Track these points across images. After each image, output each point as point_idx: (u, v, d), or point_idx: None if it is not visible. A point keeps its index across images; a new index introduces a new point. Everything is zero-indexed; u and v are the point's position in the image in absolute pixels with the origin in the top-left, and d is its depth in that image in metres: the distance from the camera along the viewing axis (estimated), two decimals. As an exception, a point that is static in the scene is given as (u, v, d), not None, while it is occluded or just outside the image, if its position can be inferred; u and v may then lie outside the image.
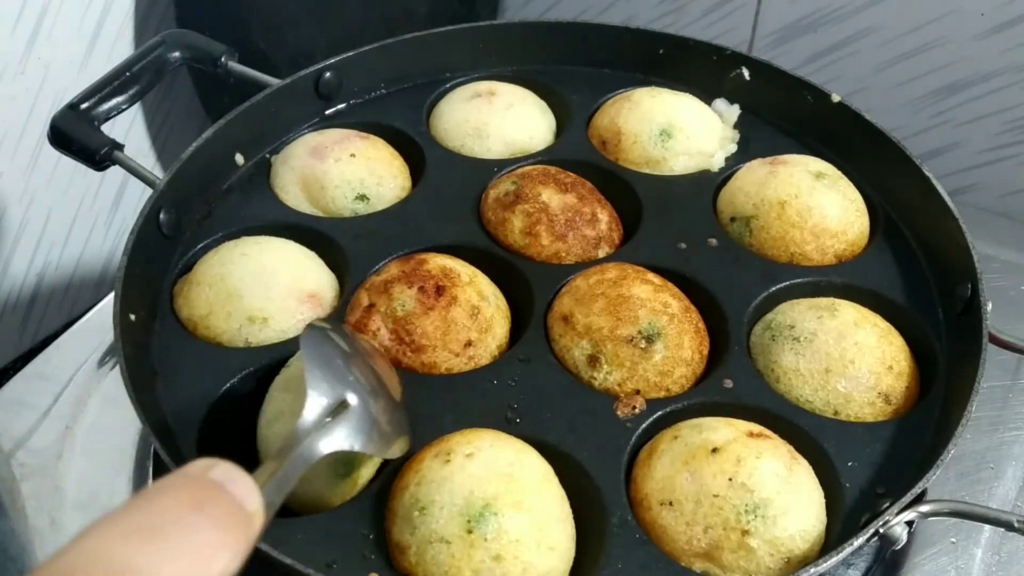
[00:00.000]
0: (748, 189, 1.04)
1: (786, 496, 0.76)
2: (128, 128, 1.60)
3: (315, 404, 0.69)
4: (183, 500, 0.46)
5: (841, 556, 0.72)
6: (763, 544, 0.75)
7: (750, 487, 0.76)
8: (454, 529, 0.72)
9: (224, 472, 0.49)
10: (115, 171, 1.06)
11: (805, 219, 1.00)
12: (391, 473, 0.80)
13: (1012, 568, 0.90)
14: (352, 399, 0.71)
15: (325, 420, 0.68)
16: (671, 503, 0.77)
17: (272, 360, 0.88)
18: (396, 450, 0.77)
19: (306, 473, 0.72)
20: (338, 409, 0.70)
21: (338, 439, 0.68)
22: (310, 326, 0.77)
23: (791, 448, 0.81)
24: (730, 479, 0.76)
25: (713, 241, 1.02)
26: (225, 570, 0.45)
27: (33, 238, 1.52)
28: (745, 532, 0.75)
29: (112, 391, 1.05)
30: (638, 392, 0.87)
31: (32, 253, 1.53)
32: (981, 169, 1.44)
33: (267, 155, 1.12)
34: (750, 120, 1.17)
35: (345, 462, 0.79)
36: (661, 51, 1.22)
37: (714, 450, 0.78)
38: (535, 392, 0.87)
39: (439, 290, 0.90)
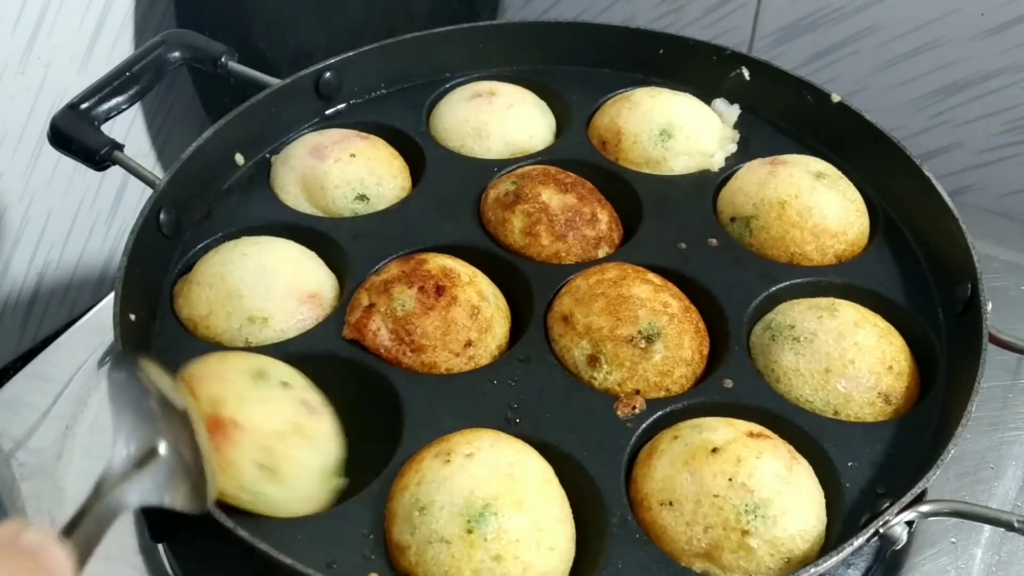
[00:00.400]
0: (748, 189, 1.04)
1: (786, 496, 0.76)
2: (128, 128, 1.60)
3: (122, 450, 0.64)
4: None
5: (841, 556, 0.72)
6: (763, 544, 0.75)
7: (750, 487, 0.76)
8: (454, 529, 0.72)
9: (35, 540, 0.48)
10: (115, 171, 1.06)
11: (805, 219, 1.00)
12: (391, 473, 0.80)
13: (1012, 568, 0.90)
14: (162, 446, 0.65)
15: (133, 468, 0.63)
16: (671, 503, 0.77)
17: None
18: (201, 504, 0.69)
19: (303, 469, 0.73)
20: (147, 456, 0.64)
21: (148, 490, 0.64)
22: (114, 363, 0.69)
23: (791, 448, 0.81)
24: (730, 479, 0.76)
25: (713, 241, 1.02)
26: None
27: (33, 238, 1.52)
28: (745, 532, 0.75)
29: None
30: (638, 392, 0.87)
31: (32, 253, 1.53)
32: (981, 169, 1.44)
33: (267, 155, 1.12)
34: (750, 120, 1.17)
35: (338, 462, 0.79)
36: (661, 51, 1.22)
37: (714, 450, 0.78)
38: (535, 392, 0.87)
39: (439, 290, 0.90)
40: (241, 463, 0.75)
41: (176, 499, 0.66)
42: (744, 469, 0.77)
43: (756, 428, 0.82)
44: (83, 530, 0.58)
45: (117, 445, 0.64)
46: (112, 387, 0.67)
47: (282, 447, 0.77)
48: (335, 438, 0.80)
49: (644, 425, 0.84)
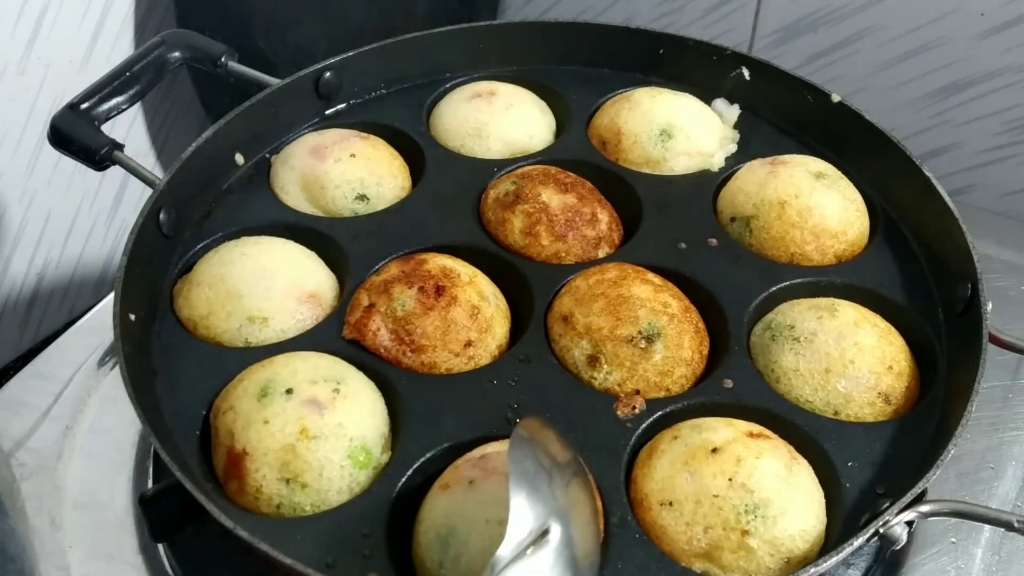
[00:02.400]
0: (748, 189, 1.04)
1: (786, 496, 0.76)
2: (128, 128, 1.60)
3: (516, 534, 0.62)
4: None
5: (841, 556, 0.72)
6: (763, 544, 0.75)
7: (750, 487, 0.76)
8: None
9: None
10: (115, 171, 1.06)
11: (805, 219, 1.00)
12: (393, 474, 0.80)
13: (1012, 568, 0.90)
14: (555, 528, 0.64)
15: (524, 551, 0.62)
16: (671, 503, 0.77)
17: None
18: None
19: (324, 467, 0.75)
20: (538, 538, 0.63)
21: (535, 572, 0.62)
22: (517, 436, 0.67)
23: (791, 448, 0.81)
24: (730, 479, 0.76)
25: (713, 241, 1.02)
26: None
27: (33, 238, 1.52)
28: (745, 532, 0.75)
29: (112, 391, 1.05)
30: (638, 392, 0.87)
31: (32, 253, 1.53)
32: (981, 169, 1.44)
33: (267, 155, 1.12)
34: (750, 120, 1.17)
35: (366, 450, 0.80)
36: (661, 51, 1.22)
37: (714, 450, 0.78)
38: (535, 392, 0.87)
39: (439, 290, 0.90)
40: (264, 486, 0.78)
41: None
42: (744, 469, 0.77)
43: (756, 428, 0.82)
44: None
45: (512, 528, 0.62)
46: (514, 462, 0.65)
47: (295, 456, 0.78)
48: (365, 419, 0.82)
49: (644, 425, 0.84)
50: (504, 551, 0.61)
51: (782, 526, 0.75)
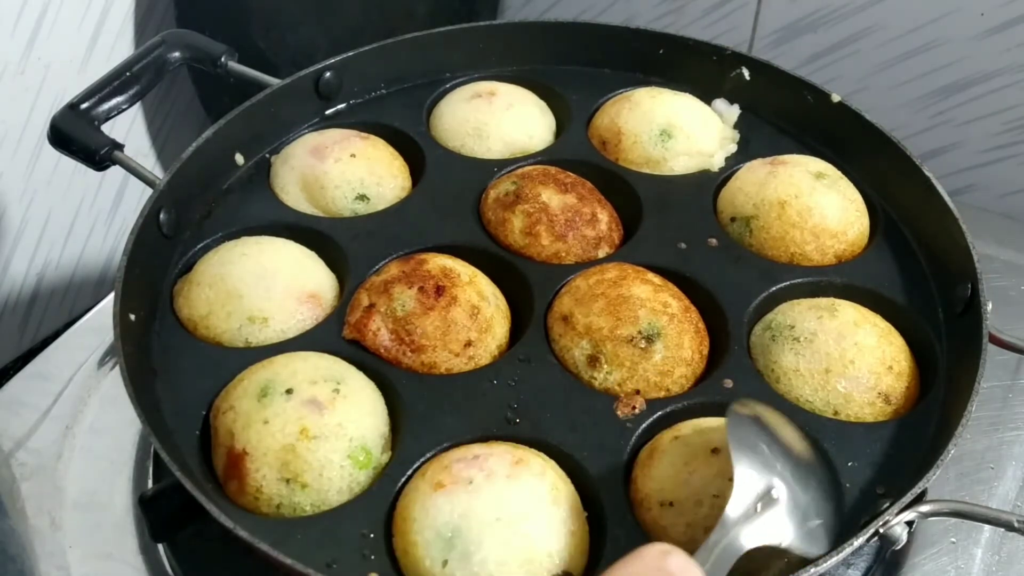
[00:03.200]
0: (748, 189, 1.04)
1: None
2: (128, 128, 1.60)
3: (743, 494, 0.67)
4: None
5: (841, 556, 0.72)
6: None
7: None
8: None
9: (679, 564, 0.56)
10: (115, 171, 1.06)
11: (805, 219, 1.00)
12: (393, 475, 0.80)
13: (1012, 568, 0.90)
14: (780, 489, 0.69)
15: (753, 510, 0.67)
16: (672, 504, 0.77)
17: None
18: (819, 548, 0.72)
19: (324, 467, 0.75)
20: (765, 499, 0.68)
21: (764, 531, 0.66)
22: (735, 412, 0.73)
23: None
24: (730, 479, 0.76)
25: (713, 241, 1.02)
26: None
27: (33, 238, 1.52)
28: None
29: (112, 391, 1.05)
30: (638, 392, 0.87)
31: (32, 253, 1.53)
32: (981, 169, 1.44)
33: (267, 155, 1.12)
34: (750, 120, 1.17)
35: (366, 450, 0.80)
36: (661, 51, 1.22)
37: (714, 450, 0.78)
38: (535, 392, 0.87)
39: (439, 290, 0.90)
40: (264, 486, 0.79)
41: (793, 541, 0.68)
42: None
43: None
44: (710, 565, 0.61)
45: (740, 486, 0.67)
46: (733, 432, 0.71)
47: (295, 456, 0.78)
48: (365, 419, 0.82)
49: (644, 425, 0.84)
50: (734, 508, 0.65)
51: None
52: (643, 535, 0.77)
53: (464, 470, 0.76)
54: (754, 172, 1.06)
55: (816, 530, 0.71)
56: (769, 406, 0.79)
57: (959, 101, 1.40)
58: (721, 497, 0.75)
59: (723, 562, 0.63)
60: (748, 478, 0.68)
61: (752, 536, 0.66)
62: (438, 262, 0.94)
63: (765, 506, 0.68)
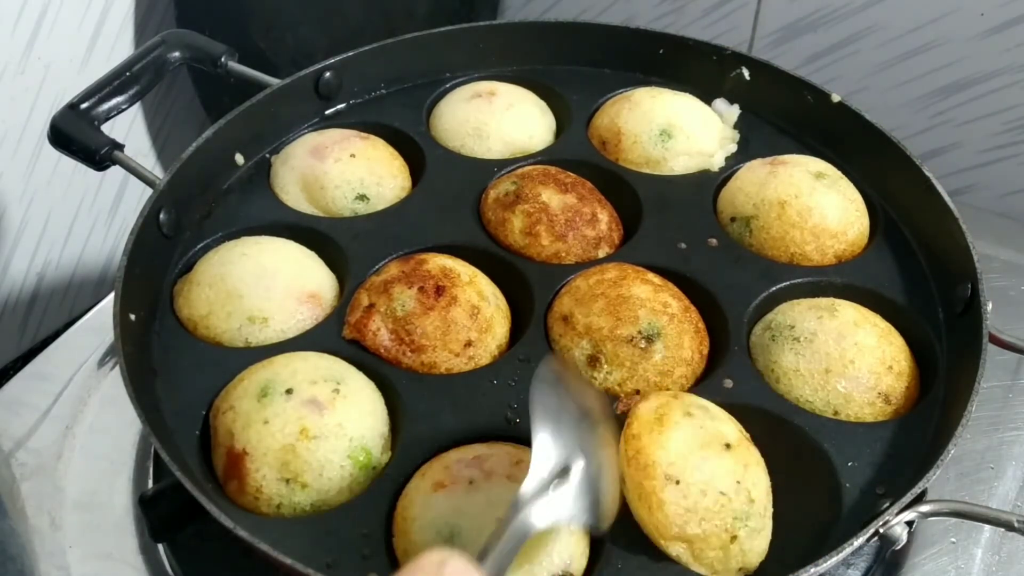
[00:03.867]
0: (748, 189, 1.04)
1: (767, 516, 0.77)
2: (128, 128, 1.60)
3: (539, 471, 0.64)
4: None
5: (841, 556, 0.72)
6: (739, 553, 0.75)
7: (752, 496, 0.75)
8: None
9: (457, 569, 0.52)
10: (115, 171, 1.06)
11: (805, 219, 1.00)
12: (393, 475, 0.80)
13: (1012, 568, 0.90)
14: (577, 465, 0.66)
15: (547, 487, 0.64)
16: (678, 482, 0.74)
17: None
18: (607, 523, 0.70)
19: (324, 467, 0.75)
20: (561, 475, 0.65)
21: (556, 511, 0.64)
22: (541, 374, 0.69)
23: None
24: (738, 481, 0.75)
25: (713, 241, 1.02)
26: None
27: (33, 238, 1.52)
28: (734, 537, 0.74)
29: (112, 391, 1.05)
30: (638, 392, 0.87)
31: (32, 253, 1.53)
32: (981, 169, 1.44)
33: (267, 155, 1.12)
34: (750, 120, 1.17)
35: (365, 450, 0.80)
36: (661, 51, 1.22)
37: (727, 446, 0.77)
38: (535, 392, 0.87)
39: (439, 290, 0.90)
40: (265, 486, 0.79)
41: (584, 520, 0.66)
42: (750, 476, 0.76)
43: (746, 433, 0.81)
44: (496, 553, 0.58)
45: (536, 465, 0.64)
46: (538, 396, 0.67)
47: (295, 456, 0.78)
48: (365, 419, 0.82)
49: (644, 425, 0.84)
50: (527, 487, 0.62)
51: (758, 543, 0.76)
52: (645, 536, 0.77)
53: (464, 470, 0.76)
54: (754, 172, 1.06)
55: (604, 504, 0.68)
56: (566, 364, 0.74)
57: (959, 101, 1.40)
58: (726, 496, 0.75)
59: (511, 547, 0.61)
60: (547, 453, 0.65)
61: (543, 515, 0.63)
62: (438, 262, 0.94)
63: (559, 482, 0.65)
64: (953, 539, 0.92)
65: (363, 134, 1.12)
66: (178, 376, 0.88)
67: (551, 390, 0.69)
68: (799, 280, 0.98)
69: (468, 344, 0.90)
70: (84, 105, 1.05)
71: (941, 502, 0.77)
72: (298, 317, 0.93)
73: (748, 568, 0.76)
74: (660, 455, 0.76)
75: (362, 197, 1.06)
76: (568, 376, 0.72)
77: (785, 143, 1.14)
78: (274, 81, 1.12)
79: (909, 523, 0.75)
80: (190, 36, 1.16)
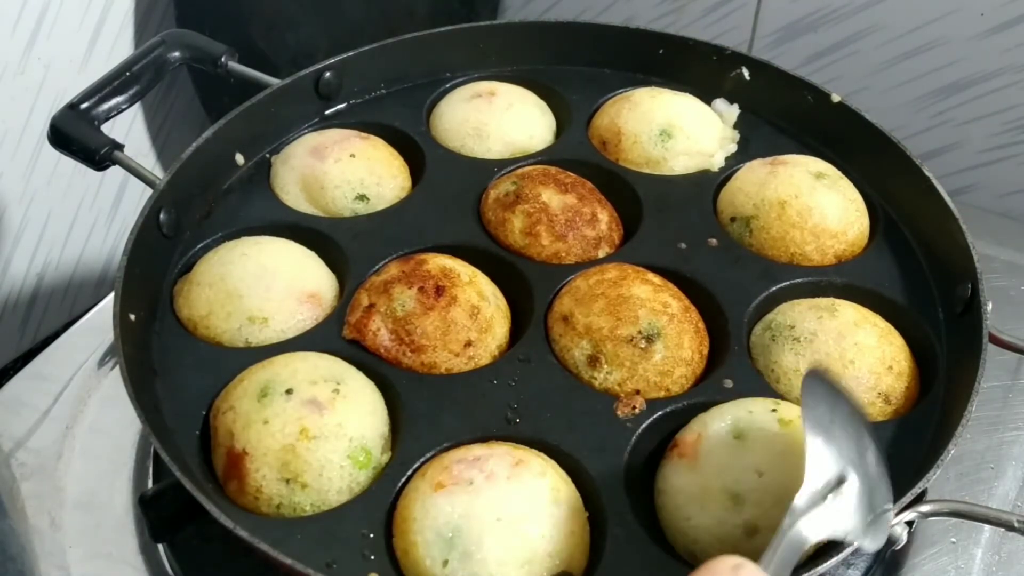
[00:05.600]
0: (748, 189, 1.04)
1: None
2: (128, 128, 1.60)
3: (815, 481, 0.62)
4: None
5: (841, 556, 0.72)
6: None
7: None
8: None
9: (751, 573, 0.53)
10: (115, 171, 1.06)
11: (805, 219, 1.00)
12: (393, 475, 0.80)
13: (1012, 568, 0.90)
14: (852, 478, 0.63)
15: (821, 499, 0.62)
16: (737, 495, 0.75)
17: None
18: (875, 543, 0.67)
19: (324, 467, 0.75)
20: (835, 487, 0.63)
21: (831, 524, 0.62)
22: (812, 379, 0.67)
23: None
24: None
25: (713, 241, 1.02)
26: None
27: (33, 238, 1.52)
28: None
29: (112, 391, 1.05)
30: (638, 392, 0.87)
31: (32, 253, 1.53)
32: (981, 169, 1.44)
33: (267, 155, 1.12)
34: (750, 120, 1.17)
35: (365, 450, 0.80)
36: (661, 51, 1.22)
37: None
38: (535, 392, 0.87)
39: (439, 290, 0.90)
40: (264, 486, 0.79)
41: (855, 536, 0.64)
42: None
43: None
44: (775, 564, 0.58)
45: (810, 475, 0.62)
46: (809, 407, 0.65)
47: (295, 457, 0.78)
48: (365, 419, 0.82)
49: (644, 425, 0.84)
50: (801, 500, 0.61)
51: None
52: (645, 536, 0.77)
53: (464, 471, 0.76)
54: (754, 172, 1.06)
55: (880, 519, 0.66)
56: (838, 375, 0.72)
57: (959, 101, 1.40)
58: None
59: (788, 558, 0.60)
60: (821, 462, 0.63)
61: (817, 528, 0.61)
62: (438, 262, 0.94)
63: (834, 495, 0.63)
64: (953, 539, 0.92)
65: (363, 134, 1.12)
66: (178, 376, 0.88)
67: (823, 399, 0.67)
68: (799, 280, 0.98)
69: (468, 344, 0.90)
70: (84, 105, 1.05)
71: (941, 502, 0.77)
72: (298, 317, 0.93)
73: None
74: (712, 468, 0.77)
75: (362, 197, 1.06)
76: (841, 386, 0.70)
77: (785, 143, 1.14)
78: (274, 81, 1.12)
79: (909, 523, 0.75)
80: (190, 36, 1.16)
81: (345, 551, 0.75)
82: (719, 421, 0.80)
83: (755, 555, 0.71)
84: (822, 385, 0.68)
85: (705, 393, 0.87)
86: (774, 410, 0.79)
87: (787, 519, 0.61)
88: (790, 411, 0.79)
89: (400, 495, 0.79)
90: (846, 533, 0.63)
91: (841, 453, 0.65)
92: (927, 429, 0.85)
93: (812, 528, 0.61)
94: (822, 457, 0.63)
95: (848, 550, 0.72)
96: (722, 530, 0.75)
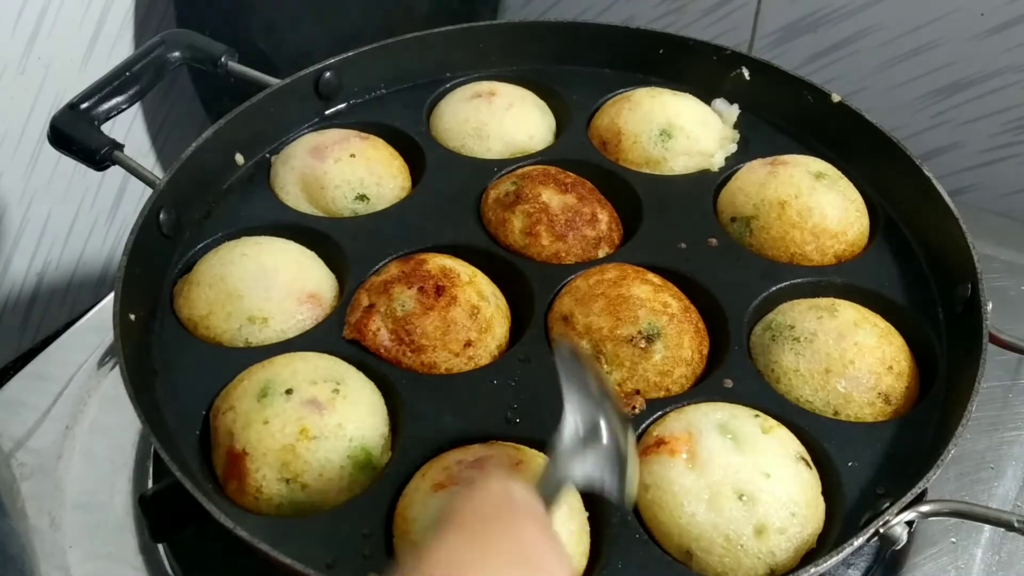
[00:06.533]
0: (748, 189, 1.04)
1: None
2: (128, 128, 1.60)
3: (571, 424, 0.67)
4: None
5: (841, 556, 0.72)
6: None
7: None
8: None
9: (522, 494, 0.59)
10: (115, 171, 1.06)
11: (805, 219, 1.00)
12: (393, 474, 0.80)
13: (1012, 568, 0.90)
14: (605, 430, 0.68)
15: (581, 446, 0.66)
16: (742, 496, 0.77)
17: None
18: (631, 501, 0.73)
19: (324, 467, 0.76)
20: (590, 439, 0.67)
21: (590, 469, 0.66)
22: (565, 346, 0.74)
23: None
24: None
25: (713, 241, 1.01)
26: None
27: (33, 238, 1.52)
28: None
29: (112, 391, 1.05)
30: (638, 392, 0.87)
31: (32, 253, 1.53)
32: (981, 169, 1.44)
33: (267, 155, 1.12)
34: (750, 120, 1.17)
35: (366, 450, 0.80)
36: (661, 51, 1.22)
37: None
38: (535, 392, 0.87)
39: (439, 290, 0.90)
40: (264, 486, 0.79)
41: (609, 486, 0.68)
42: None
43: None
44: (542, 486, 0.62)
45: (567, 417, 0.67)
46: (561, 363, 0.71)
47: (295, 457, 0.78)
48: (365, 419, 0.82)
49: (644, 425, 0.84)
50: (563, 436, 0.66)
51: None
52: (643, 534, 0.77)
53: (464, 471, 0.76)
54: (754, 172, 1.06)
55: (630, 478, 0.70)
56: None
57: (959, 101, 1.40)
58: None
59: (553, 492, 0.64)
60: (578, 409, 0.68)
61: (578, 470, 0.66)
62: (438, 262, 0.94)
63: (591, 444, 0.67)
64: (953, 539, 0.92)
65: (363, 134, 1.12)
66: (178, 376, 0.88)
67: (574, 364, 0.72)
68: (799, 280, 0.98)
69: (468, 344, 0.90)
70: (84, 105, 1.05)
71: (941, 502, 0.77)
72: (298, 317, 0.93)
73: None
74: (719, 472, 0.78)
75: (362, 197, 1.06)
76: (588, 358, 0.75)
77: (785, 143, 1.14)
78: (274, 81, 1.12)
79: (909, 523, 0.75)
80: (190, 36, 1.16)
81: (345, 551, 0.75)
82: (705, 420, 0.82)
83: (763, 557, 0.75)
84: (572, 354, 0.74)
85: (705, 393, 0.87)
86: (757, 415, 0.83)
87: (551, 460, 0.66)
88: (768, 420, 0.83)
89: (400, 495, 0.79)
90: (602, 482, 0.67)
91: (597, 403, 0.69)
92: (927, 429, 0.85)
93: (572, 470, 0.66)
94: (579, 402, 0.68)
95: (848, 551, 0.72)
96: (730, 528, 0.76)
